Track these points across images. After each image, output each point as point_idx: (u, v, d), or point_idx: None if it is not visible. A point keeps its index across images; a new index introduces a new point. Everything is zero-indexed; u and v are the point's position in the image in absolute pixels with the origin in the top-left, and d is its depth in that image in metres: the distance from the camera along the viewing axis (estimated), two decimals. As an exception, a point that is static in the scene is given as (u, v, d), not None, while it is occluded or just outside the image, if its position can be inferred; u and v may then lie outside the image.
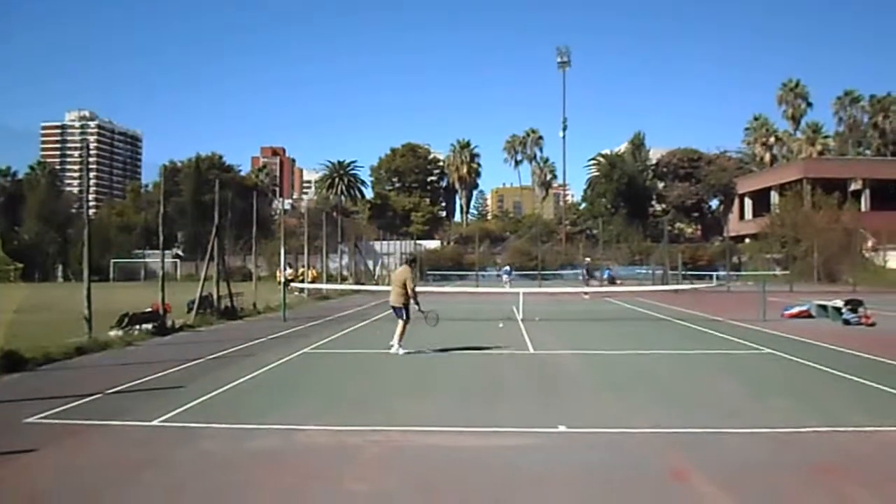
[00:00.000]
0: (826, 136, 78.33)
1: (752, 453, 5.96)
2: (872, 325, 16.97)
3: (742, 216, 71.66)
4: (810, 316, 19.44)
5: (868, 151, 78.01)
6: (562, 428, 6.78)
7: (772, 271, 45.33)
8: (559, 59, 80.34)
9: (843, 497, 4.86)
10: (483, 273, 53.83)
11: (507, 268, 48.19)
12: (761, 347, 13.12)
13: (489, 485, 5.14)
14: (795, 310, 19.86)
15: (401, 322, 12.44)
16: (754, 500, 4.78)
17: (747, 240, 61.94)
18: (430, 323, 13.32)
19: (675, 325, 18.38)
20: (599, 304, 26.05)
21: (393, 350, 12.18)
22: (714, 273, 48.98)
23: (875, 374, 9.85)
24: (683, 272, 45.97)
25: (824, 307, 19.28)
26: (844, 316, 17.58)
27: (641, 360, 12.10)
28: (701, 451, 6.01)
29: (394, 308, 12.64)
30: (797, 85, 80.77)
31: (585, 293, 30.62)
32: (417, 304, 12.54)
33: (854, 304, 17.94)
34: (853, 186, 59.24)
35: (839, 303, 18.55)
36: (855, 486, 5.05)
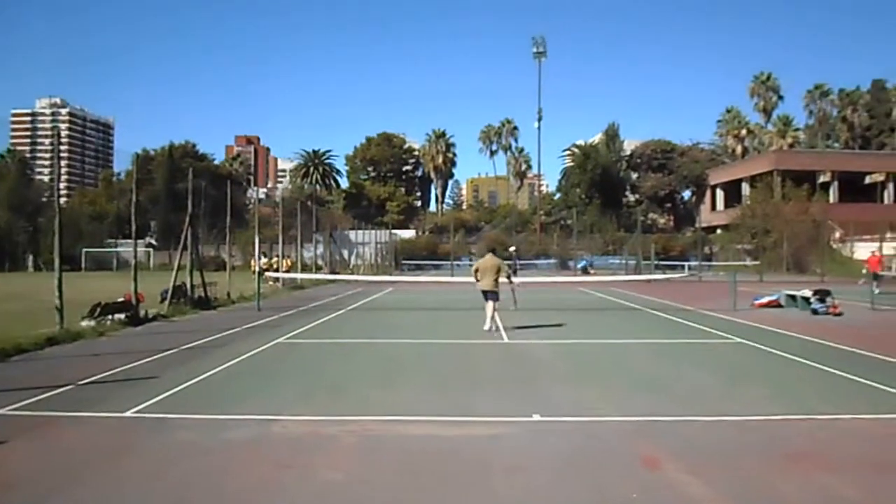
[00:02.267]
0: (797, 129, 79.36)
1: (722, 440, 6.08)
2: (840, 314, 17.29)
3: (714, 207, 72.43)
4: (780, 306, 19.75)
5: (837, 144, 79.29)
6: (536, 417, 6.86)
7: (742, 262, 45.90)
8: (535, 50, 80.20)
9: (812, 482, 4.98)
10: (458, 263, 53.90)
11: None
12: (732, 337, 13.32)
13: (464, 473, 5.19)
14: (765, 300, 20.17)
15: (493, 303, 14.13)
16: (724, 485, 4.88)
17: (719, 230, 62.67)
18: (513, 307, 15.38)
19: (647, 314, 18.58)
20: (573, 294, 26.24)
21: (485, 326, 13.87)
22: (686, 263, 49.49)
23: (841, 362, 10.07)
24: (656, 262, 46.37)
25: (793, 297, 19.61)
26: (813, 306, 17.89)
27: (614, 349, 12.24)
28: (672, 438, 6.12)
29: (486, 292, 14.19)
30: (769, 78, 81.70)
31: (514, 284, 30.31)
32: (511, 282, 15.04)
33: (822, 294, 18.26)
34: (822, 179, 60.11)
35: (808, 293, 18.87)
36: (822, 471, 5.18)
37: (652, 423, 6.67)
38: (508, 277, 14.77)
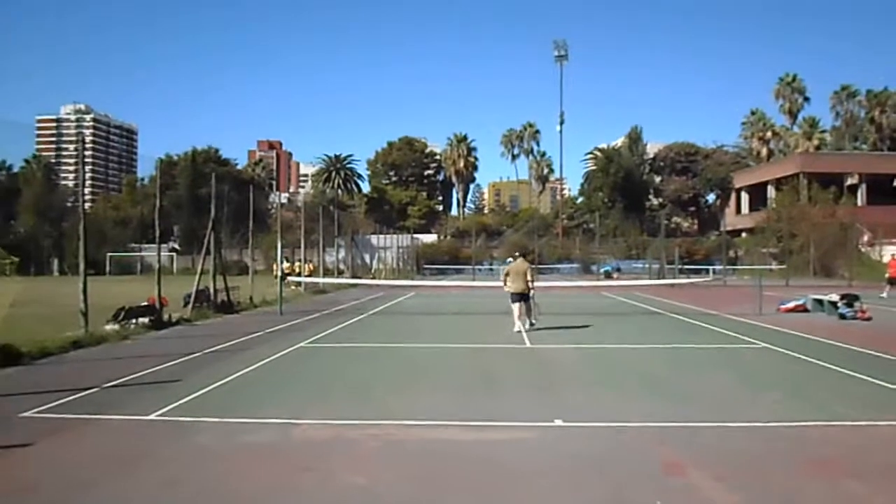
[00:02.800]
0: (823, 131, 78.37)
1: (748, 446, 5.98)
2: (868, 319, 17.01)
3: (738, 210, 71.71)
4: (806, 310, 19.48)
5: (864, 146, 78.14)
6: (558, 422, 6.80)
7: (768, 266, 45.37)
8: (556, 53, 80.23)
9: (838, 489, 4.88)
10: (479, 267, 53.84)
11: (510, 260, 47.91)
12: (757, 342, 13.15)
13: (486, 478, 5.16)
14: (791, 304, 19.89)
15: (523, 305, 14.70)
16: (748, 491, 4.79)
17: (744, 234, 62.01)
18: (537, 311, 15.47)
19: (671, 319, 18.41)
20: (596, 299, 26.08)
21: (517, 328, 14.32)
22: (710, 267, 49.06)
23: (870, 368, 9.88)
24: (680, 266, 46.04)
25: (820, 301, 19.33)
26: (840, 310, 17.62)
27: (638, 354, 12.13)
28: (696, 444, 6.04)
29: (515, 294, 14.71)
30: (794, 79, 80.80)
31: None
32: (532, 289, 15.02)
33: (850, 299, 17.98)
34: (849, 181, 59.34)
35: (835, 297, 18.59)
36: (850, 478, 5.08)
37: (675, 428, 6.58)
38: (532, 282, 15.07)
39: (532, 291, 14.98)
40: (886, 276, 25.41)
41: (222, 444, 6.10)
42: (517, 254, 17.23)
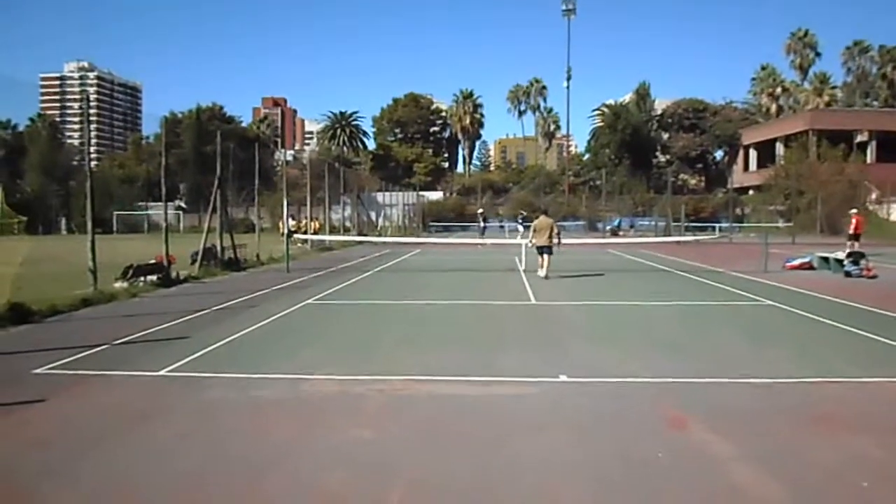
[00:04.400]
0: (834, 87, 77.36)
1: (750, 402, 6.05)
2: (874, 277, 17.01)
3: (746, 168, 71.22)
4: (812, 268, 19.48)
5: (876, 103, 77.12)
6: (563, 377, 6.88)
7: (775, 223, 45.25)
8: (564, 7, 79.05)
9: (839, 443, 4.95)
10: (486, 224, 53.81)
11: (522, 216, 47.53)
12: (762, 299, 13.19)
13: (490, 431, 5.24)
14: (797, 262, 19.89)
15: (547, 256, 16.95)
16: (750, 446, 4.87)
17: (751, 192, 61.67)
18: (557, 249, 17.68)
19: (676, 276, 18.44)
20: (601, 256, 26.08)
21: (540, 273, 16.65)
22: (717, 225, 48.94)
23: (874, 325, 9.93)
24: (686, 224, 45.90)
25: (826, 259, 19.32)
26: (846, 268, 17.62)
27: (642, 310, 12.18)
28: (698, 399, 6.11)
29: (541, 247, 17.03)
30: (806, 34, 79.52)
31: (482, 244, 30.37)
32: (559, 242, 17.57)
33: (856, 257, 17.96)
34: (859, 138, 58.74)
35: (841, 255, 18.57)
36: (850, 433, 5.15)
37: (678, 384, 6.66)
38: (558, 236, 17.53)
39: (557, 246, 17.38)
40: (849, 232, 24.95)
41: (232, 399, 6.19)
42: (542, 213, 18.86)
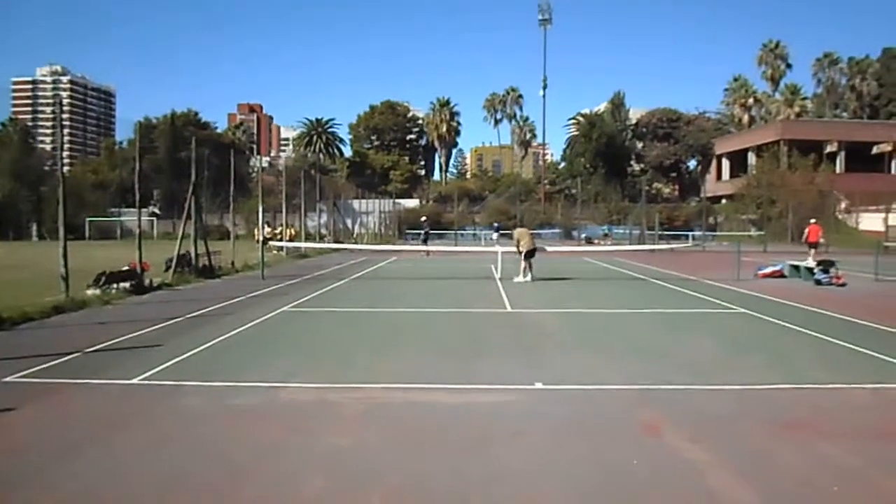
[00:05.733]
0: (804, 98, 78.53)
1: (723, 408, 6.13)
2: (843, 285, 17.30)
3: (719, 177, 72.14)
4: (783, 276, 19.78)
5: (845, 114, 78.57)
6: (538, 385, 6.92)
7: (747, 232, 45.85)
8: (540, 17, 79.55)
9: (811, 449, 5.03)
10: (462, 232, 53.87)
11: (497, 225, 47.50)
12: (734, 307, 13.36)
13: (467, 438, 5.26)
14: (769, 270, 20.17)
15: (530, 261, 18.41)
16: (724, 452, 4.93)
17: (724, 200, 62.48)
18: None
19: (651, 284, 18.61)
20: (577, 264, 26.25)
21: (528, 279, 18.05)
22: (690, 233, 49.44)
23: (843, 332, 10.11)
24: (660, 232, 46.32)
25: (797, 267, 19.62)
26: (816, 276, 17.91)
27: (617, 318, 12.28)
28: (673, 406, 6.17)
29: (526, 252, 18.51)
30: (777, 46, 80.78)
31: (427, 252, 30.91)
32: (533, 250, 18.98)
33: (826, 265, 18.26)
34: (829, 149, 59.77)
35: (811, 263, 18.87)
36: (822, 439, 5.24)
37: (653, 391, 6.72)
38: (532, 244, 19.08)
39: (524, 252, 18.54)
40: (804, 240, 25.70)
41: (207, 407, 6.14)
42: (520, 223, 20.47)
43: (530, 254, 18.67)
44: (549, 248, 26.23)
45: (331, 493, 4.25)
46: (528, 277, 18.13)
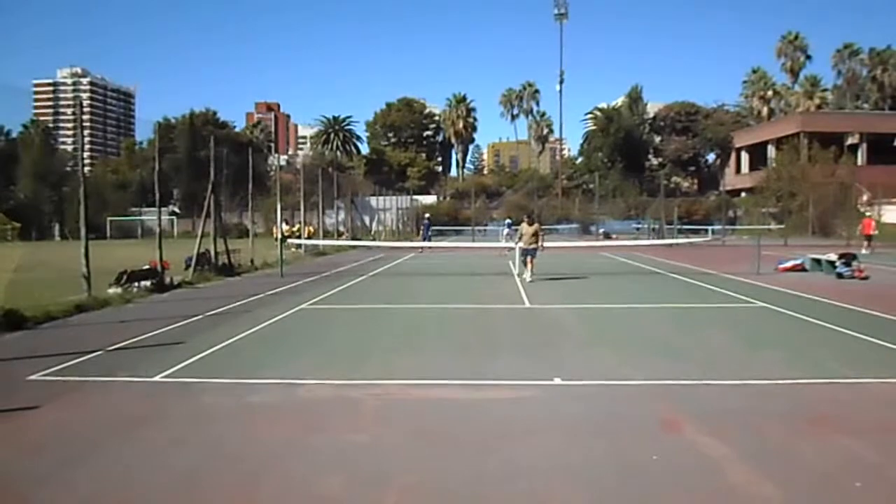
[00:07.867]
0: (824, 90, 77.60)
1: (744, 404, 6.08)
2: (865, 278, 17.10)
3: (738, 170, 71.43)
4: (804, 269, 19.56)
5: (866, 105, 77.47)
6: (557, 380, 6.90)
7: (767, 225, 45.35)
8: (556, 11, 79.13)
9: (832, 444, 4.98)
10: (480, 228, 53.75)
11: (508, 221, 47.33)
12: (755, 301, 13.24)
13: (484, 435, 5.26)
14: (789, 263, 19.98)
15: (530, 258, 17.48)
16: (744, 447, 4.89)
17: (743, 194, 61.83)
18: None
19: (669, 278, 18.49)
20: (595, 259, 26.14)
21: (526, 277, 17.20)
22: (709, 227, 49.04)
23: (865, 326, 9.98)
24: (679, 226, 45.99)
25: (818, 261, 19.41)
26: (838, 269, 17.70)
27: (636, 313, 12.21)
28: (692, 401, 6.14)
29: (526, 250, 17.67)
30: (796, 37, 79.84)
31: (421, 248, 31.14)
32: (542, 246, 18.04)
33: (848, 258, 18.05)
34: (850, 140, 58.99)
35: (833, 256, 18.66)
36: (843, 434, 5.18)
37: (673, 386, 6.69)
38: (542, 240, 18.12)
39: (540, 249, 17.81)
40: (858, 232, 26.55)
41: (227, 405, 6.20)
42: (527, 217, 18.94)
43: (527, 251, 17.72)
44: (550, 245, 26.03)
45: (347, 491, 4.27)
46: (527, 276, 17.28)
